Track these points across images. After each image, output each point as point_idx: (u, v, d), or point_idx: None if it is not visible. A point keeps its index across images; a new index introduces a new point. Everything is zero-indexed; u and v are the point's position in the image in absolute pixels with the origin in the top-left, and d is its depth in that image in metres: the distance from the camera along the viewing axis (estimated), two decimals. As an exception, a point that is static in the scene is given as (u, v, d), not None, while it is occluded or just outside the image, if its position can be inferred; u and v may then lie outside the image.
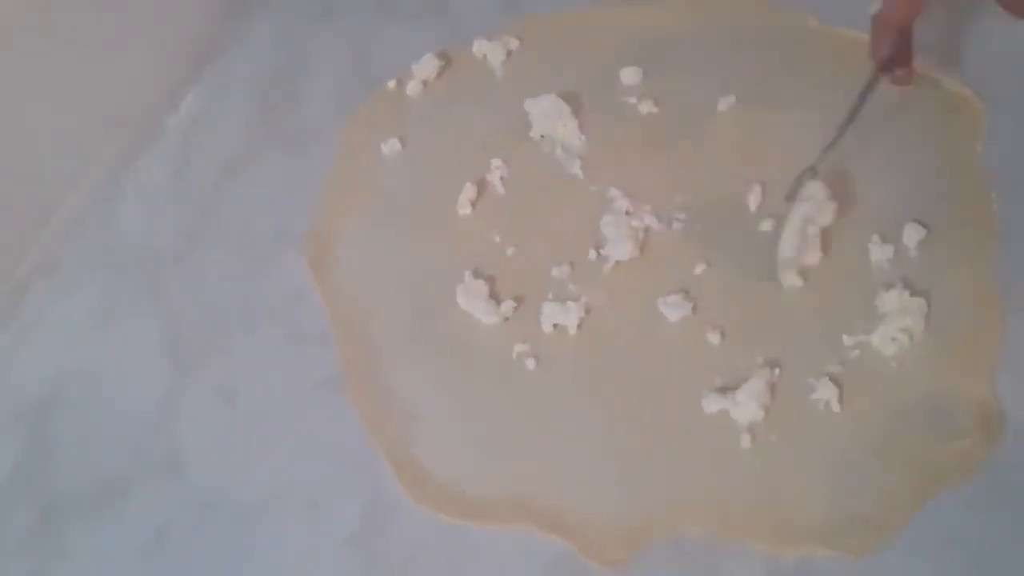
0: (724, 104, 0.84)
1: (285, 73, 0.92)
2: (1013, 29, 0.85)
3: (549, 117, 0.84)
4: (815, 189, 0.75)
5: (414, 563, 0.65)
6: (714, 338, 0.72)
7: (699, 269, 0.76)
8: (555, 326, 0.74)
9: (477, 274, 0.77)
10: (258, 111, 0.89)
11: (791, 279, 0.73)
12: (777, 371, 0.70)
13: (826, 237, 0.75)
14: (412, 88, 0.90)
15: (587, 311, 0.75)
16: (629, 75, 0.87)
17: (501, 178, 0.83)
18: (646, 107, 0.85)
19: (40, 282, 0.80)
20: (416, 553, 0.65)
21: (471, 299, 0.75)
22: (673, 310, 0.74)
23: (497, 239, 0.79)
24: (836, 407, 0.68)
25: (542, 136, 0.84)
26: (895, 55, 0.78)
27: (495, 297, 0.76)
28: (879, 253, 0.74)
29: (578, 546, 0.65)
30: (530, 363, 0.73)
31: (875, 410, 0.68)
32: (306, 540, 0.67)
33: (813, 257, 0.74)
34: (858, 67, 0.85)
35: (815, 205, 0.74)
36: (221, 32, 0.94)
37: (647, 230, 0.78)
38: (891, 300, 0.71)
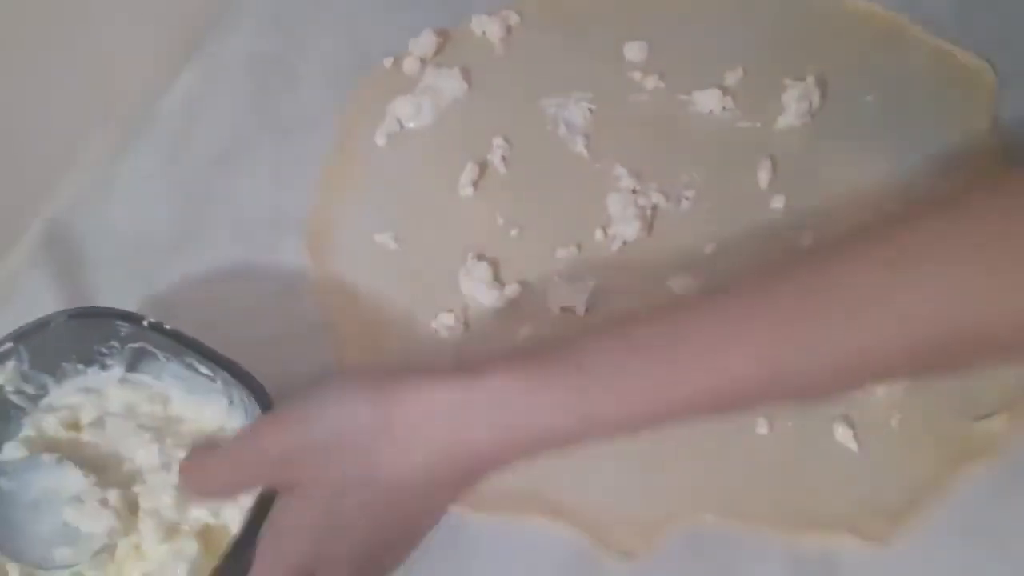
0: (732, 78, 0.82)
1: (280, 54, 0.89)
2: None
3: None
4: None
5: (427, 556, 0.63)
6: (726, 319, 0.70)
7: (709, 248, 0.74)
8: (562, 309, 0.72)
9: (480, 257, 0.75)
10: (253, 94, 0.86)
11: None
12: (793, 353, 0.68)
13: (838, 215, 0.74)
14: (409, 66, 0.87)
15: (595, 293, 0.73)
16: (633, 50, 0.85)
17: (503, 157, 0.80)
18: (651, 82, 0.83)
19: (31, 275, 0.78)
20: (428, 546, 0.63)
21: (474, 283, 0.73)
22: (682, 291, 0.71)
23: (500, 220, 0.77)
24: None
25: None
26: None
27: (499, 280, 0.74)
28: (895, 230, 0.72)
29: (593, 537, 0.63)
30: (537, 348, 0.71)
31: (896, 392, 0.66)
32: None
33: None
34: (867, 38, 0.84)
35: None
36: (213, 14, 0.91)
37: (655, 208, 0.76)
38: (909, 278, 0.69)
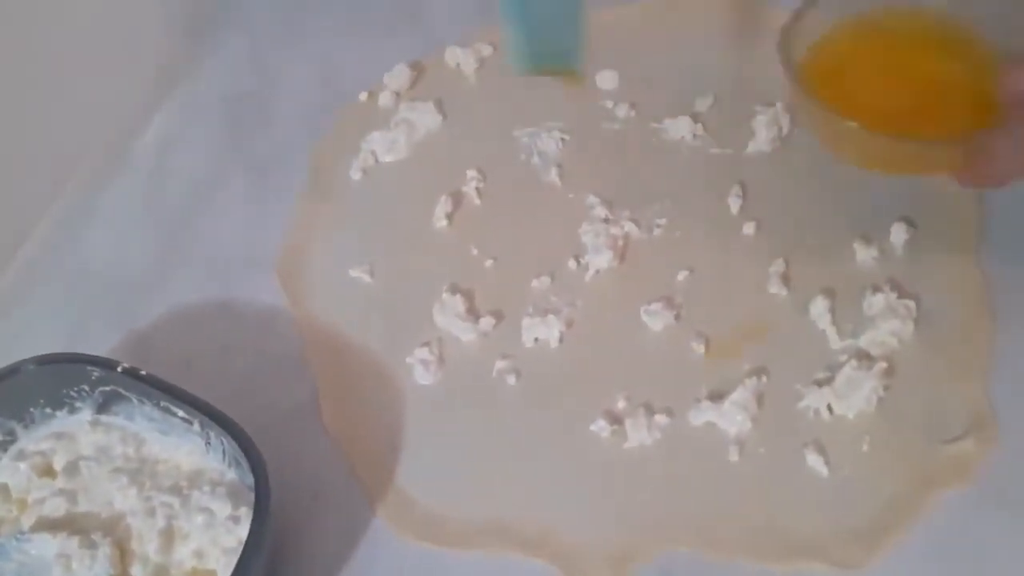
0: (702, 105, 0.83)
1: (255, 91, 0.90)
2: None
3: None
4: None
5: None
6: (698, 347, 0.70)
7: (681, 275, 0.74)
8: (536, 340, 0.72)
9: (454, 289, 0.75)
10: (228, 131, 0.87)
11: None
12: (764, 379, 0.68)
13: (808, 240, 0.74)
14: (384, 99, 0.88)
15: (568, 323, 0.73)
16: (605, 79, 0.86)
17: (477, 189, 0.81)
18: (623, 111, 0.84)
19: (7, 313, 0.78)
20: (401, 583, 0.63)
21: (448, 316, 0.73)
22: (656, 319, 0.72)
23: (475, 252, 0.78)
24: (825, 415, 0.66)
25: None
26: None
27: (473, 312, 0.74)
28: (865, 254, 0.72)
29: (565, 569, 0.62)
30: (511, 379, 0.71)
31: (866, 417, 0.66)
32: (285, 573, 0.65)
33: None
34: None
35: None
36: (188, 52, 0.92)
37: (627, 237, 0.77)
38: (878, 303, 0.69)
